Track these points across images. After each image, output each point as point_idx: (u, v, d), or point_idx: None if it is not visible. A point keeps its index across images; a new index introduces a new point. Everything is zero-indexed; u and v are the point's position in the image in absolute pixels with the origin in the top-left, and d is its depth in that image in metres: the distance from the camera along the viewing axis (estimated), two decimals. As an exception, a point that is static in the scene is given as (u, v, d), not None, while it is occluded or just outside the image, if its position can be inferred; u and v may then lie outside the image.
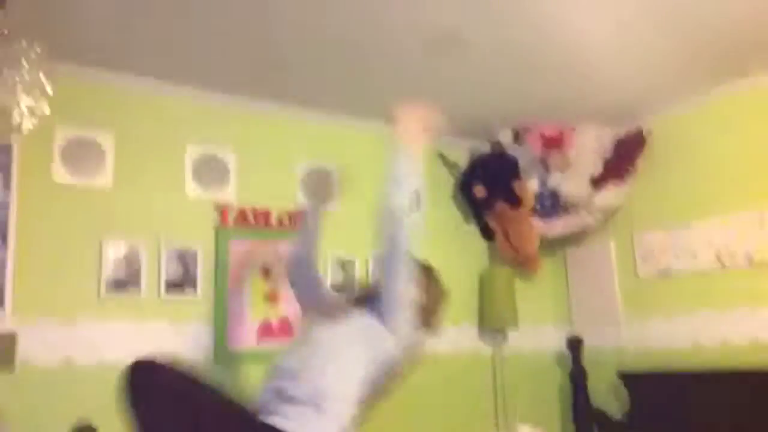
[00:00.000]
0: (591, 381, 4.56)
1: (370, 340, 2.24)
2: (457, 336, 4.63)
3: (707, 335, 4.14)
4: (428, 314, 2.48)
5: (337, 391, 2.14)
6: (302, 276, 2.78)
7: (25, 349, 3.27)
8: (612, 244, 4.74)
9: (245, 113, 4.12)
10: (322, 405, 2.09)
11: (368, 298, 2.36)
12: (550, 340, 4.98)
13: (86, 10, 3.09)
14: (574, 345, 4.63)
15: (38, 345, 3.30)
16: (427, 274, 2.54)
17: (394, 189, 2.24)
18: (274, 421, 2.06)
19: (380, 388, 2.35)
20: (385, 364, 2.28)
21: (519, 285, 4.80)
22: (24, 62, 2.51)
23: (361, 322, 2.29)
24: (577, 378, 4.57)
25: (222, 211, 3.91)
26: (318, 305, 2.65)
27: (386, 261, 2.25)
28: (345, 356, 2.20)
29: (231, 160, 4.03)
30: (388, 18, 3.25)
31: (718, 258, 4.12)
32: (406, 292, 2.27)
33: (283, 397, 2.12)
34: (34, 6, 2.85)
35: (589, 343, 4.67)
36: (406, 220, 2.22)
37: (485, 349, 4.73)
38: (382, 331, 2.24)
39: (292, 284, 2.83)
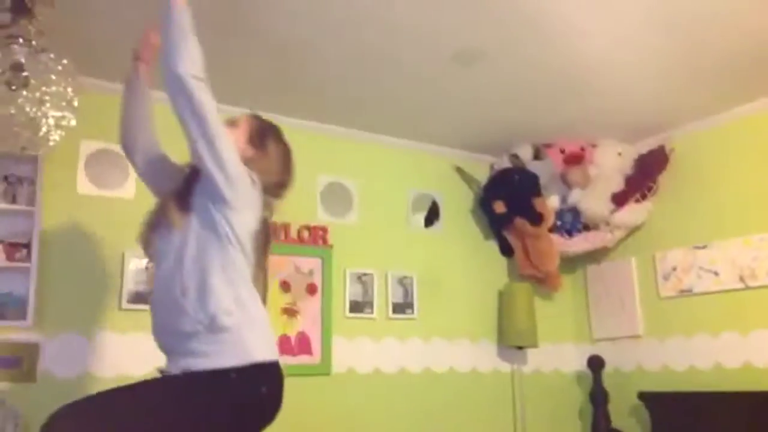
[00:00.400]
0: (611, 401, 4.51)
1: (217, 230, 2.01)
2: (476, 353, 4.60)
3: (729, 356, 4.09)
4: (271, 173, 2.22)
5: (224, 300, 1.97)
6: (135, 145, 2.44)
7: (46, 361, 3.30)
8: (633, 263, 4.69)
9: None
10: (224, 322, 1.95)
11: (194, 176, 2.10)
12: (570, 358, 4.93)
13: (114, 26, 3.13)
14: (595, 364, 4.58)
15: (59, 357, 3.33)
16: (263, 132, 2.28)
17: (170, 53, 1.96)
18: (190, 363, 1.96)
19: (260, 259, 2.18)
20: (246, 240, 2.07)
21: (539, 302, 4.77)
22: (51, 75, 2.54)
23: (199, 217, 2.04)
24: (598, 398, 4.52)
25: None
26: (160, 179, 2.35)
27: (193, 135, 1.96)
28: (207, 264, 2.00)
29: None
30: (410, 36, 3.27)
31: (741, 278, 4.07)
32: (228, 157, 2.00)
33: (186, 335, 1.97)
34: (64, 20, 2.88)
35: (609, 362, 4.62)
36: (193, 83, 1.94)
37: (504, 367, 4.69)
38: (224, 211, 2.01)
39: (130, 156, 2.47)
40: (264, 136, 2.25)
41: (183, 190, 2.12)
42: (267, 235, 2.25)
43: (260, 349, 2.01)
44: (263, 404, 2.02)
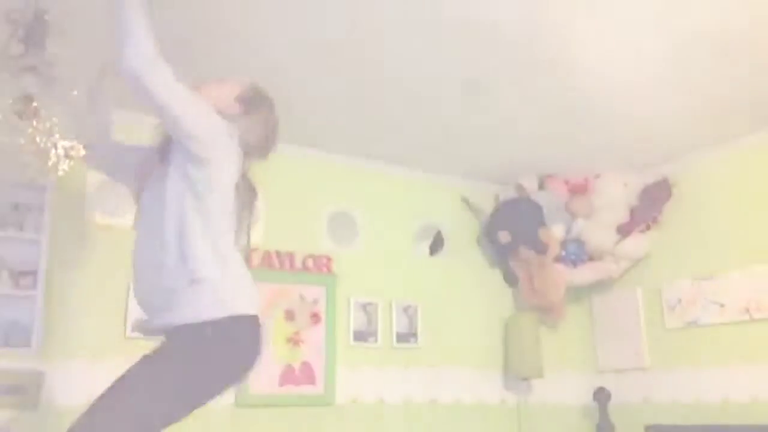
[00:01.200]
0: (617, 433, 4.47)
1: (194, 184, 2.00)
2: (480, 384, 4.57)
3: (736, 389, 4.05)
4: (254, 134, 2.21)
5: (203, 255, 1.98)
6: (103, 153, 2.45)
7: (50, 389, 3.28)
8: (639, 293, 4.68)
9: (271, 157, 4.14)
10: (204, 277, 1.97)
11: (167, 144, 2.10)
12: (576, 389, 4.89)
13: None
14: (602, 397, 4.54)
15: (63, 385, 3.31)
16: (260, 100, 2.26)
17: (118, 46, 1.90)
18: (171, 318, 1.98)
19: (243, 213, 2.19)
20: (225, 194, 2.07)
21: (544, 332, 4.74)
22: (61, 105, 2.57)
23: (177, 171, 2.03)
24: (604, 431, 4.47)
25: (248, 253, 3.92)
26: (126, 167, 2.35)
27: (160, 117, 1.96)
28: (185, 218, 1.99)
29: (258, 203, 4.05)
30: (416, 68, 3.31)
31: (747, 310, 4.05)
32: (198, 130, 1.98)
33: (168, 290, 1.99)
34: (74, 51, 2.92)
35: (615, 394, 4.58)
36: (143, 70, 1.88)
37: (510, 398, 4.65)
38: (199, 166, 2.00)
39: (100, 166, 2.51)
40: (260, 104, 2.25)
41: (163, 145, 2.14)
42: (251, 189, 2.26)
43: (240, 303, 2.02)
44: (243, 353, 2.04)
